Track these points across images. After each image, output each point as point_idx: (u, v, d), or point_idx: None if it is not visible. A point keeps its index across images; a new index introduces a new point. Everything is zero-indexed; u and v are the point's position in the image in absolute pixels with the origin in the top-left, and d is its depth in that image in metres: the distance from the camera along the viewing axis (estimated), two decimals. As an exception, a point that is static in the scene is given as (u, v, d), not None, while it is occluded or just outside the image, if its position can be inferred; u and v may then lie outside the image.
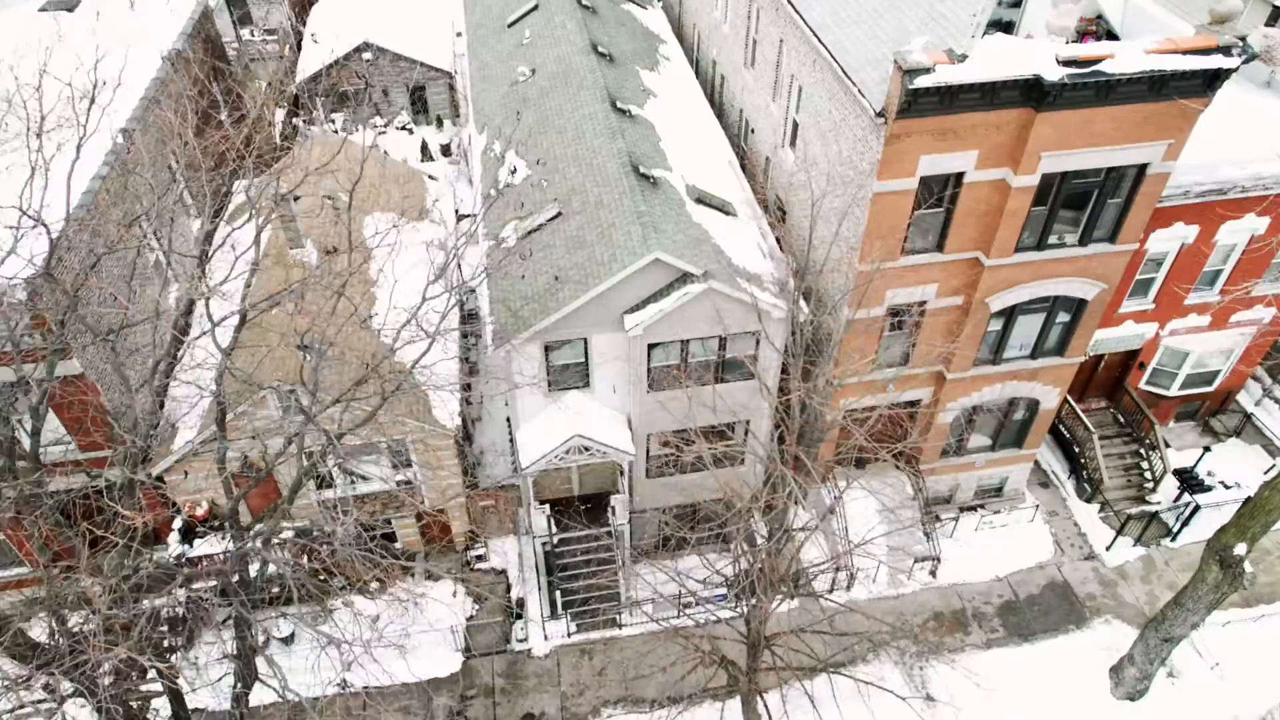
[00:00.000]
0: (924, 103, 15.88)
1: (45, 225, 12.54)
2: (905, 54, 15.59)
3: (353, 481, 20.08)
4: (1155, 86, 16.20)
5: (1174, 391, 25.72)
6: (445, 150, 36.68)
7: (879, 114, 16.34)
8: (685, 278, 18.16)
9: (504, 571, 22.74)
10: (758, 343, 19.43)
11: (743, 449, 21.37)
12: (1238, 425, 26.86)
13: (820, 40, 18.88)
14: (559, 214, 20.01)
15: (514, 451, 20.89)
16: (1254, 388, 27.58)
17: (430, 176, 27.00)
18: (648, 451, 21.44)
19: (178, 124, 18.70)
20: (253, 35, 38.71)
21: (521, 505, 22.91)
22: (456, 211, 29.05)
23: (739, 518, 17.57)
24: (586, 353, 19.47)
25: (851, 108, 17.76)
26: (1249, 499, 16.79)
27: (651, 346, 19.24)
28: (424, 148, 34.98)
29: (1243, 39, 16.08)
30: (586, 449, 19.78)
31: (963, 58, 15.72)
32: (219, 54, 28.48)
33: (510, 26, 27.64)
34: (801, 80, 20.81)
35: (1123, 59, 15.83)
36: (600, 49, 24.50)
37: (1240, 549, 15.87)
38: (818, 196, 19.19)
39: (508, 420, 24.36)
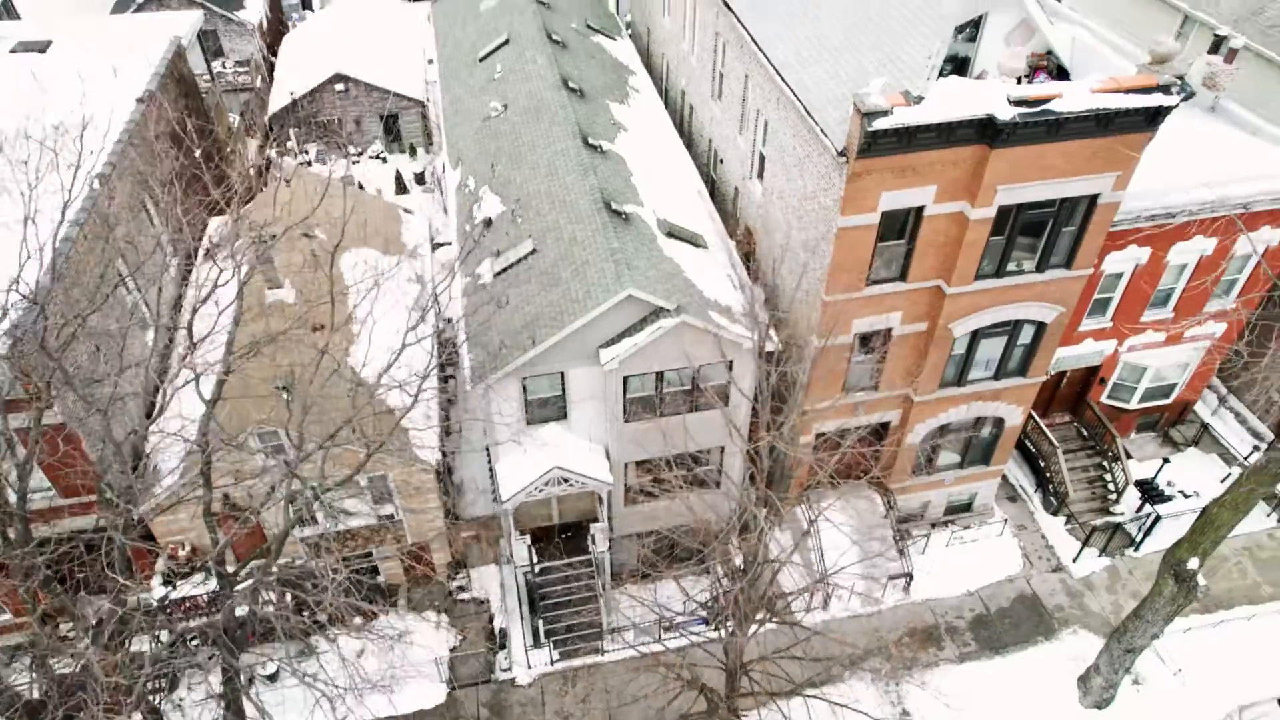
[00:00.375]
0: (883, 142, 16.54)
1: (42, 308, 12.71)
2: (864, 97, 16.24)
3: (335, 518, 20.31)
4: (1102, 123, 16.97)
5: (1134, 405, 26.60)
6: (419, 179, 37.04)
7: (840, 153, 16.97)
8: (658, 312, 18.66)
9: (486, 601, 23.04)
10: (729, 373, 19.94)
11: (718, 476, 21.87)
12: (1196, 435, 27.79)
13: (783, 79, 19.53)
14: (534, 250, 20.45)
15: (494, 483, 21.24)
16: (1210, 398, 28.55)
17: (405, 210, 27.33)
18: (625, 480, 21.88)
19: (153, 169, 18.93)
20: (224, 67, 38.86)
21: (503, 535, 23.24)
22: (433, 241, 29.42)
23: (716, 544, 18.04)
24: (563, 386, 19.90)
25: (815, 145, 18.39)
26: (1202, 513, 17.54)
27: (627, 379, 19.71)
28: (398, 178, 35.32)
29: (1180, 78, 16.92)
30: (566, 480, 20.18)
31: (919, 99, 16.40)
32: (192, 92, 28.67)
33: (482, 61, 28.11)
34: (767, 115, 21.45)
35: (1070, 98, 16.59)
36: (571, 84, 25.02)
37: (1193, 563, 16.58)
38: (785, 231, 19.81)
39: (487, 450, 24.68)
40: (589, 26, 30.36)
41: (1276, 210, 22.24)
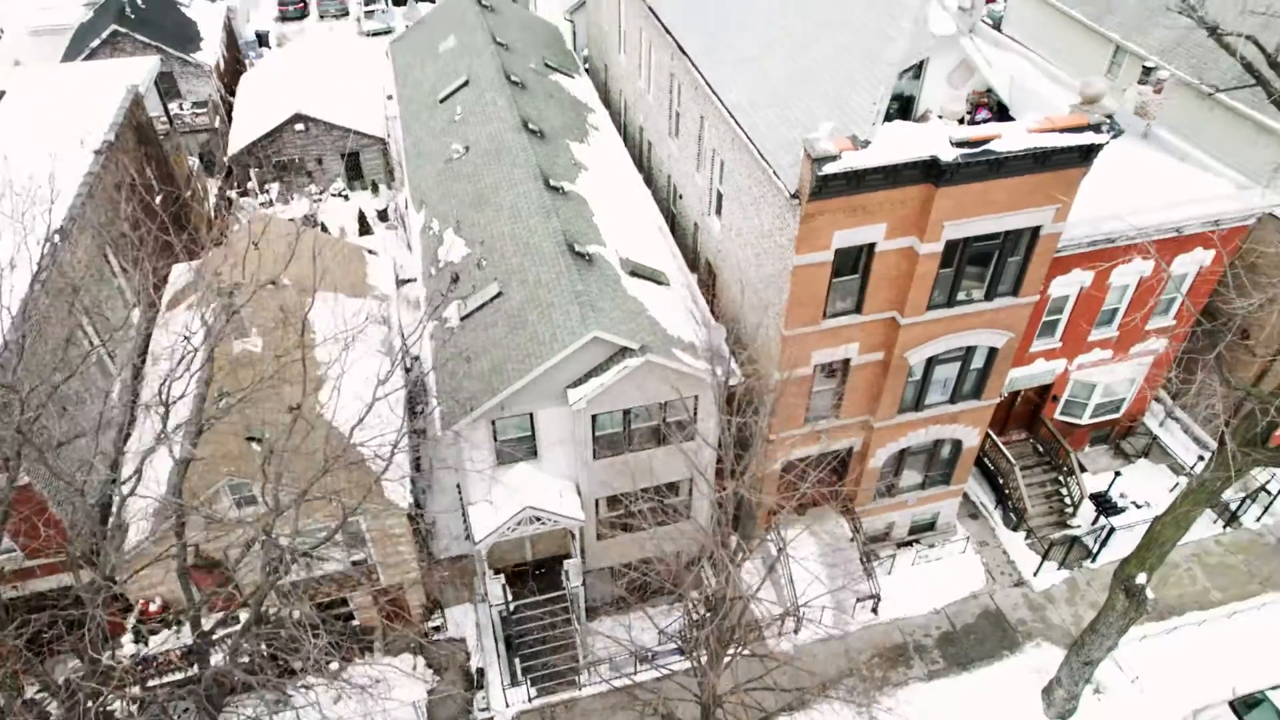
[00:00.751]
0: (834, 185, 17.22)
1: (20, 395, 12.75)
2: (813, 142, 16.92)
3: (309, 568, 20.35)
4: (1039, 160, 17.84)
5: (1086, 420, 27.56)
6: (382, 215, 37.22)
7: (794, 196, 17.63)
8: (624, 351, 19.10)
9: (463, 640, 23.16)
10: (695, 409, 20.42)
11: (688, 508, 22.29)
12: (1145, 446, 28.84)
13: (737, 122, 20.19)
14: (500, 293, 20.82)
15: (466, 524, 21.44)
16: (1158, 410, 29.66)
17: (370, 251, 27.53)
18: (597, 515, 22.21)
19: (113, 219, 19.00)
20: (181, 109, 38.78)
21: (477, 574, 23.40)
22: (398, 278, 29.62)
23: (688, 577, 18.46)
24: (533, 426, 20.23)
25: (769, 187, 19.04)
26: (1148, 531, 18.34)
27: (595, 417, 20.10)
28: (362, 218, 35.47)
29: (1110, 117, 17.86)
30: (538, 519, 20.47)
31: (866, 143, 17.12)
32: (151, 139, 28.67)
33: (442, 102, 28.50)
34: (723, 155, 22.10)
35: (1009, 138, 17.44)
36: (531, 125, 25.50)
37: (1141, 579, 17.34)
38: (744, 266, 20.41)
39: (458, 486, 24.87)
40: (547, 65, 30.93)
41: (1207, 233, 23.36)
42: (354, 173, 38.75)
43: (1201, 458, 27.67)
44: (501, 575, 22.20)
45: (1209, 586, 24.80)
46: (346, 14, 55.02)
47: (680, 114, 25.13)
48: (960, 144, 17.21)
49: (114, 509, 14.49)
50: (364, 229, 35.22)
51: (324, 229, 34.96)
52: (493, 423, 19.85)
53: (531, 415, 19.98)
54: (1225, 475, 15.41)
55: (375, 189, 38.71)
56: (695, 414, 20.55)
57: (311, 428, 16.07)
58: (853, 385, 21.64)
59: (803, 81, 19.32)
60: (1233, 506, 26.58)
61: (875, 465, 23.72)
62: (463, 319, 20.98)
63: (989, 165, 17.56)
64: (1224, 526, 26.53)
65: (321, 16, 54.75)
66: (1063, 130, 17.68)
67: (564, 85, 30.24)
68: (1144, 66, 26.31)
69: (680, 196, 26.76)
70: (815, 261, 18.62)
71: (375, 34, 51.44)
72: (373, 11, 52.20)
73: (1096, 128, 17.67)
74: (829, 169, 16.75)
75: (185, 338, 13.88)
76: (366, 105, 39.11)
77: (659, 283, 22.09)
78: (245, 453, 18.77)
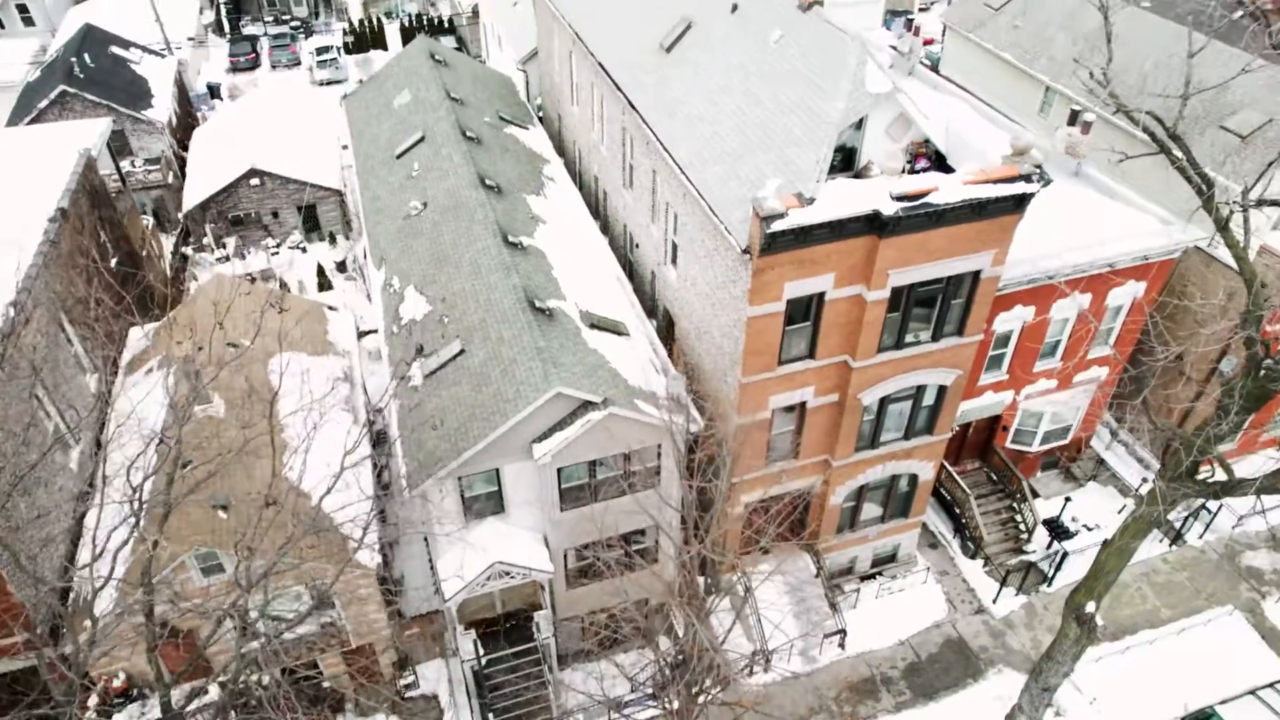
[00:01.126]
0: (782, 241, 17.95)
1: None
2: (761, 201, 17.65)
3: (277, 634, 20.25)
4: (975, 210, 18.78)
5: (1036, 447, 28.55)
6: (341, 266, 37.31)
7: (745, 251, 18.31)
8: (586, 405, 19.51)
9: (435, 697, 23.11)
10: (658, 458, 20.87)
11: (655, 553, 22.64)
12: (1094, 469, 29.92)
13: (688, 178, 20.90)
14: (462, 350, 21.14)
15: (435, 580, 21.52)
16: (1104, 434, 30.81)
17: (330, 307, 27.66)
18: (566, 565, 22.46)
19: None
20: (134, 166, 38.61)
21: (447, 629, 23.43)
22: (358, 330, 29.71)
23: (659, 616, 18.78)
24: (499, 481, 20.49)
25: (721, 242, 19.71)
26: (1095, 560, 19.14)
27: (560, 469, 20.43)
28: (320, 272, 35.51)
29: (1039, 167, 18.90)
30: (507, 573, 20.66)
31: (811, 200, 17.90)
32: (105, 202, 28.60)
33: (399, 158, 28.89)
34: (676, 208, 22.79)
35: (945, 191, 18.36)
36: (488, 181, 25.99)
37: (1090, 607, 18.09)
38: (701, 315, 21.01)
39: (425, 539, 24.91)
40: (501, 117, 31.52)
41: (1139, 266, 24.58)
42: (311, 224, 38.81)
43: (1145, 479, 28.79)
44: (472, 630, 22.27)
45: (1158, 605, 25.75)
46: (298, 64, 55.25)
47: (634, 166, 25.84)
48: (900, 198, 18.06)
49: (79, 594, 14.40)
50: (323, 284, 35.25)
51: (283, 284, 34.97)
52: (459, 479, 20.07)
53: (498, 470, 20.25)
54: (1156, 511, 16.27)
55: (333, 240, 38.81)
56: (659, 462, 20.98)
57: (280, 508, 16.15)
58: (810, 427, 22.28)
59: (750, 139, 20.10)
60: (1178, 525, 27.68)
61: (836, 502, 24.34)
62: (426, 377, 21.23)
63: (928, 217, 18.45)
64: (1170, 545, 27.58)
65: (274, 67, 54.90)
66: (996, 181, 18.65)
67: (519, 137, 30.84)
68: (1072, 109, 27.69)
69: (637, 245, 27.39)
70: (768, 312, 19.29)
71: (328, 83, 51.76)
72: (325, 61, 52.52)
73: (1027, 178, 18.67)
74: (777, 226, 17.47)
75: (161, 437, 13.94)
76: (322, 156, 39.28)
77: (619, 333, 22.59)
78: (211, 521, 18.74)
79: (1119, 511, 27.98)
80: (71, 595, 18.98)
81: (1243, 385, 14.84)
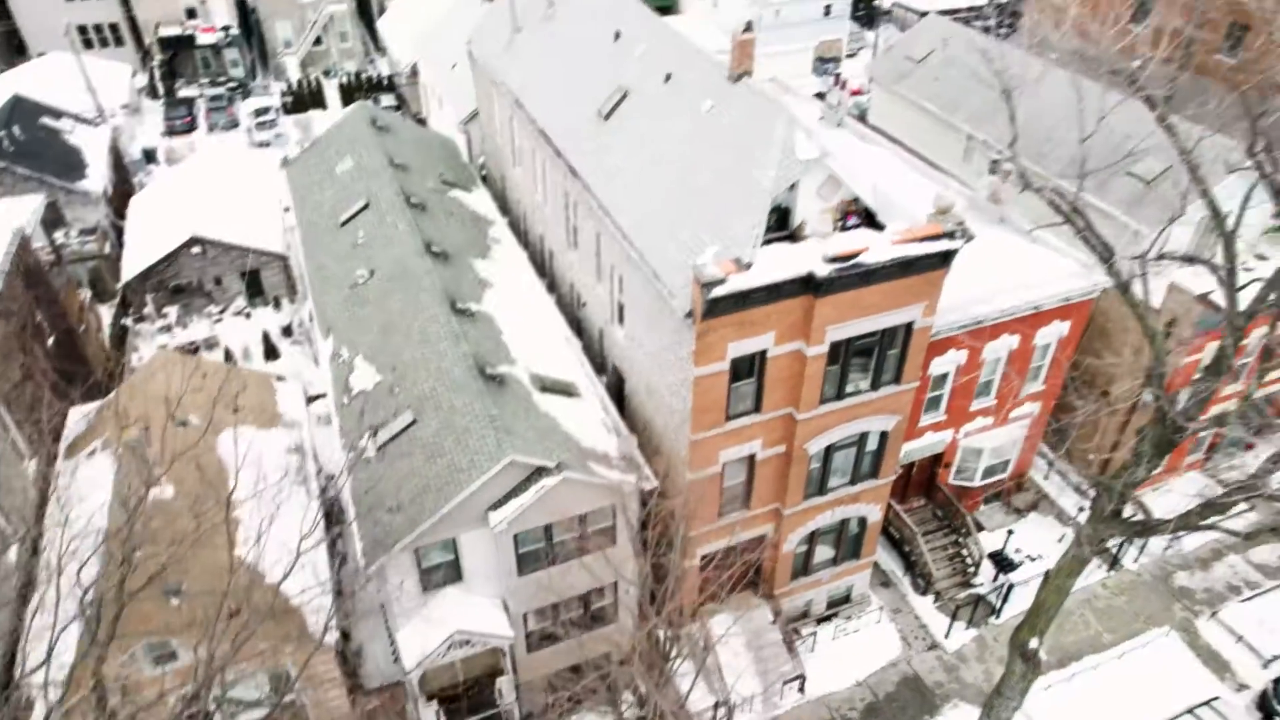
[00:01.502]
0: (723, 305, 18.65)
1: None
2: (701, 268, 18.35)
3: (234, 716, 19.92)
4: (904, 267, 19.76)
5: (978, 482, 29.57)
6: (287, 330, 37.08)
7: (687, 315, 18.95)
8: (540, 470, 19.80)
9: (399, 771, 22.83)
10: (613, 517, 21.22)
11: (613, 617, 22.85)
12: (1034, 500, 31.06)
13: (631, 243, 21.56)
14: (415, 421, 21.30)
15: (395, 652, 21.39)
16: (1043, 465, 32.04)
17: (278, 378, 27.55)
18: (526, 628, 22.53)
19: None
20: (68, 237, 37.98)
21: (409, 701, 23.20)
22: (306, 394, 29.54)
23: (622, 670, 18.96)
24: (456, 550, 20.58)
25: (664, 306, 20.33)
26: (1035, 598, 19.98)
27: (517, 535, 20.62)
28: (267, 341, 35.24)
29: (961, 223, 20.00)
30: (467, 642, 20.67)
31: (749, 265, 18.66)
32: (40, 279, 28.17)
33: (343, 225, 29.08)
34: (621, 271, 23.40)
35: (875, 250, 19.31)
36: (434, 247, 26.34)
37: (1034, 643, 18.87)
38: (649, 373, 21.55)
39: (382, 607, 24.73)
40: (445, 181, 31.97)
41: (1063, 307, 25.92)
42: (255, 289, 38.55)
43: (1082, 508, 29.98)
44: (434, 701, 22.13)
45: (1100, 630, 26.75)
46: (236, 125, 55.02)
47: (577, 229, 26.44)
48: (833, 259, 18.95)
49: (22, 699, 14.11)
50: (270, 353, 34.96)
51: (228, 354, 34.64)
52: (416, 551, 20.11)
53: (455, 540, 20.35)
54: (1085, 553, 17.18)
55: (278, 304, 38.58)
56: (615, 522, 21.31)
57: (237, 608, 16.03)
58: (760, 478, 22.88)
59: (688, 206, 20.86)
60: (1114, 551, 28.85)
61: (789, 549, 24.91)
62: (379, 449, 21.31)
63: (860, 276, 19.36)
64: (1108, 570, 28.71)
65: (211, 129, 54.53)
66: (922, 239, 19.69)
67: (463, 201, 31.29)
68: (991, 159, 29.21)
69: (584, 304, 27.89)
70: (714, 371, 19.92)
71: (267, 144, 51.62)
72: (264, 123, 52.44)
73: (950, 235, 19.75)
74: (717, 292, 18.18)
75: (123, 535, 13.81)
76: (264, 220, 39.13)
77: (570, 394, 22.99)
78: (163, 610, 18.47)
79: (1059, 540, 29.07)
80: (12, 700, 18.44)
81: (1152, 435, 15.87)
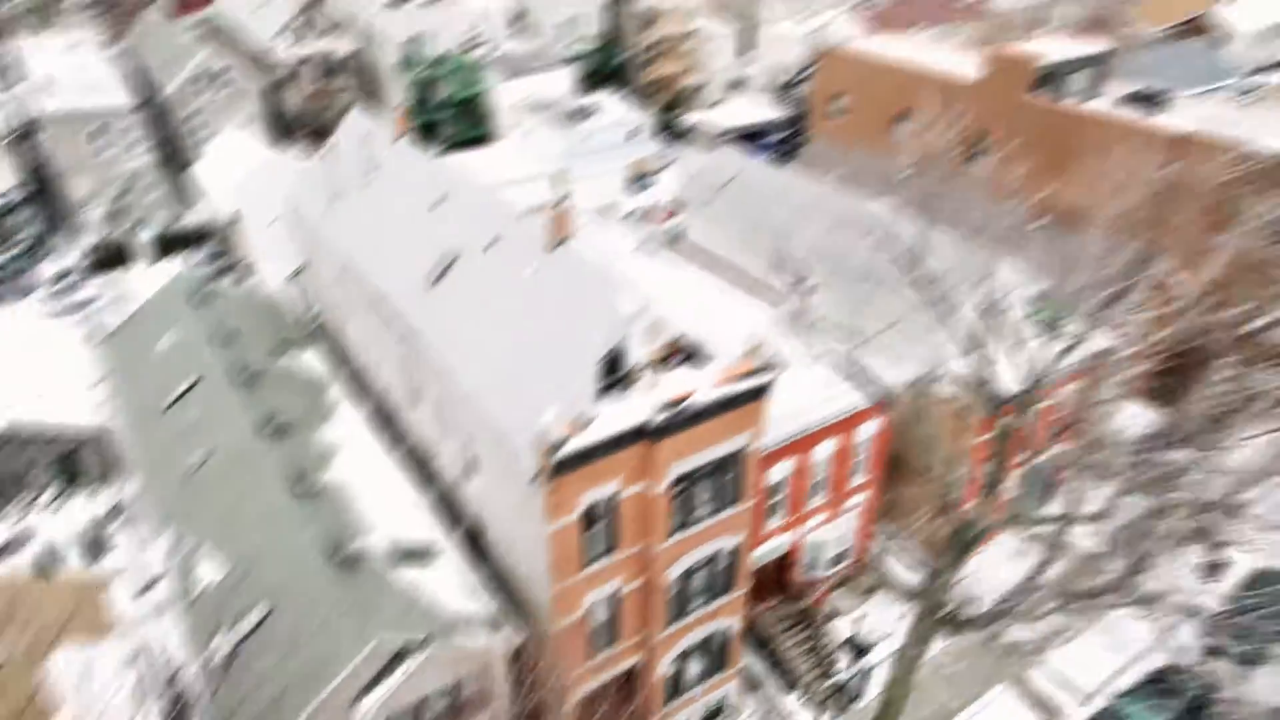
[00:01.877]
0: (569, 463, 19.75)
1: None
2: (544, 433, 19.43)
3: None
4: (727, 404, 21.72)
5: (825, 572, 31.68)
6: (114, 512, 34.50)
7: (535, 477, 19.87)
8: (404, 650, 19.72)
9: None
10: (484, 679, 21.29)
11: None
12: (878, 580, 33.50)
13: (473, 405, 22.36)
14: (270, 611, 20.69)
15: None
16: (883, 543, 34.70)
17: (106, 578, 25.78)
18: (408, 811, 21.84)
19: None
20: None
21: None
22: (144, 586, 27.63)
23: None
24: (326, 745, 19.91)
25: (513, 464, 21.17)
26: (883, 691, 21.71)
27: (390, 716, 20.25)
28: (87, 539, 32.63)
29: (770, 360, 22.29)
30: (346, 843, 19.82)
31: (589, 422, 19.94)
32: None
33: (170, 408, 28.05)
34: (468, 429, 24.04)
35: (700, 393, 21.17)
36: (271, 423, 25.92)
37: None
38: (505, 525, 22.10)
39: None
40: (277, 345, 31.51)
41: (876, 405, 28.85)
42: (69, 475, 35.80)
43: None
44: None
45: (948, 698, 29.01)
46: (32, 291, 51.39)
47: (420, 388, 26.89)
48: (664, 407, 20.60)
49: None
50: (93, 551, 32.40)
51: (41, 567, 31.77)
52: (282, 754, 19.32)
53: (323, 735, 19.71)
54: (915, 654, 19.18)
55: (96, 487, 35.94)
56: (488, 683, 21.37)
57: None
58: (626, 612, 23.71)
59: (526, 366, 22.00)
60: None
61: (662, 673, 25.67)
62: (233, 650, 20.48)
63: (691, 417, 21.10)
64: (944, 638, 31.26)
65: None
66: (740, 376, 21.77)
67: (295, 367, 30.94)
68: (796, 274, 32.36)
69: (436, 456, 28.12)
70: (567, 523, 20.84)
71: (69, 312, 48.49)
72: (64, 289, 49.32)
73: (763, 370, 21.97)
74: (560, 453, 19.28)
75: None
76: (72, 397, 36.69)
77: (429, 556, 23.07)
78: None
79: (899, 618, 31.41)
80: None
81: (953, 541, 18.23)
